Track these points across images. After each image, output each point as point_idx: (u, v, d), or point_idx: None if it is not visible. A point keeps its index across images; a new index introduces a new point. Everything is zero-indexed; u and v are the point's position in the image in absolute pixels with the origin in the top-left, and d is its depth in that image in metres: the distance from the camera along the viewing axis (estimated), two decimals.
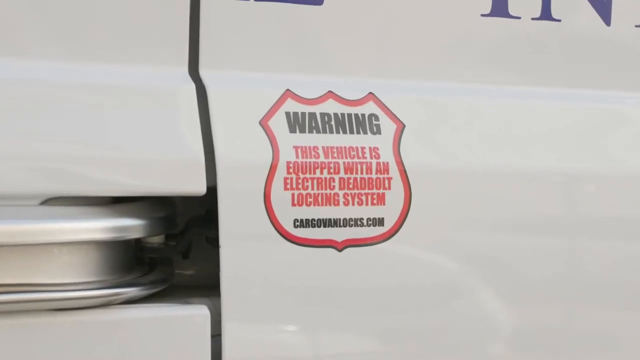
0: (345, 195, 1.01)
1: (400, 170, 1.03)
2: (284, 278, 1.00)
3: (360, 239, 1.02)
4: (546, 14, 1.16)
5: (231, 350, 0.98)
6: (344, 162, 1.01)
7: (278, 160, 0.99)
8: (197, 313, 0.99)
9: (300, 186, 0.99)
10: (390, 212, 1.02)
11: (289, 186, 0.99)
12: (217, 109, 0.99)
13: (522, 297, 1.11)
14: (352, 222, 1.01)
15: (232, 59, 1.04)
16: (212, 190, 0.97)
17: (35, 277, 0.94)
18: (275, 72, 1.05)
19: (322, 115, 1.03)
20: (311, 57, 1.08)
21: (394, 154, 1.03)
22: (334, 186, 1.01)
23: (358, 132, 1.03)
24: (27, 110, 0.94)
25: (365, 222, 1.02)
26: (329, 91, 1.05)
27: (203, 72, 1.02)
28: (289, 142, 1.00)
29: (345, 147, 1.02)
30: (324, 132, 1.02)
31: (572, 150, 1.15)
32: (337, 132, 1.03)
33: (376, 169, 1.02)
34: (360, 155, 1.02)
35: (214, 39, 1.03)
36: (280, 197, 0.98)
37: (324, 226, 1.00)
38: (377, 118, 1.05)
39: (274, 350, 1.02)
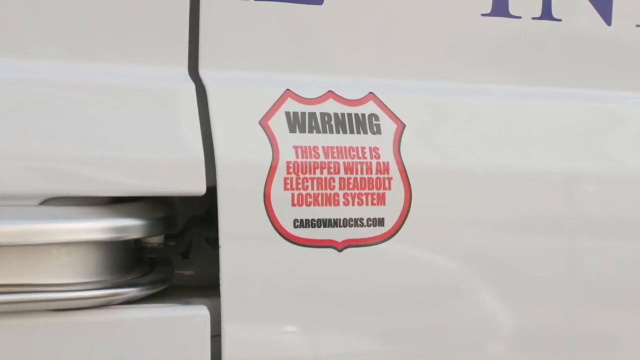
0: (345, 195, 1.01)
1: (400, 170, 1.03)
2: (283, 278, 1.00)
3: (361, 239, 1.02)
4: (547, 13, 1.16)
5: (231, 350, 0.98)
6: (344, 162, 1.01)
7: (278, 160, 0.99)
8: (197, 313, 0.99)
9: (300, 186, 0.99)
10: (390, 212, 1.02)
11: (289, 186, 0.99)
12: (217, 109, 0.99)
13: (523, 297, 1.11)
14: (352, 222, 1.01)
15: (232, 58, 1.04)
16: (211, 190, 0.96)
17: (34, 278, 0.94)
18: (275, 71, 1.05)
19: (322, 115, 1.03)
20: (311, 56, 1.07)
21: (394, 154, 1.03)
22: (334, 186, 1.01)
23: (358, 132, 1.03)
24: (26, 110, 0.93)
25: (365, 222, 1.02)
26: (329, 91, 1.05)
27: (203, 72, 1.02)
28: (289, 142, 1.00)
29: (345, 147, 1.02)
30: (324, 132, 1.02)
31: (572, 150, 1.15)
32: (337, 132, 1.02)
33: (376, 169, 1.02)
34: (360, 155, 1.02)
35: (213, 39, 1.03)
36: (280, 197, 0.98)
37: (324, 226, 1.00)
38: (377, 118, 1.05)
39: (274, 351, 1.02)
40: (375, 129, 1.04)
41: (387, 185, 1.02)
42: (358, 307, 1.03)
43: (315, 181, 1.00)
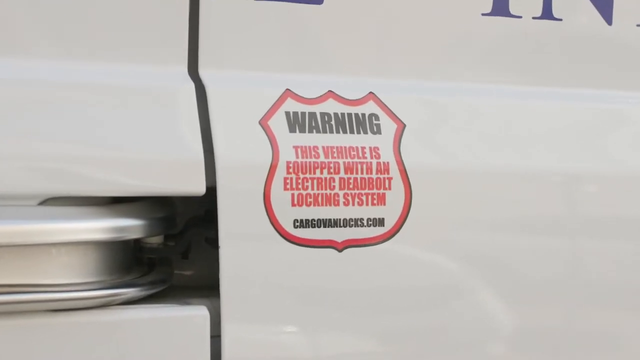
0: (345, 195, 1.01)
1: (400, 170, 1.03)
2: (283, 278, 1.00)
3: (361, 239, 1.01)
4: (547, 13, 1.16)
5: (231, 351, 0.98)
6: (344, 162, 1.01)
7: (278, 160, 0.99)
8: (197, 314, 0.99)
9: (300, 186, 0.99)
10: (390, 212, 1.02)
11: (288, 186, 0.99)
12: (217, 109, 0.99)
13: (523, 297, 1.11)
14: (352, 223, 1.01)
15: (231, 58, 1.04)
16: (211, 190, 0.96)
17: (33, 278, 0.94)
18: (275, 71, 1.05)
19: (322, 115, 1.03)
20: (311, 56, 1.07)
21: (394, 153, 1.03)
22: (334, 186, 1.00)
23: (358, 132, 1.03)
24: (26, 110, 0.93)
25: (365, 222, 1.01)
26: (329, 91, 1.04)
27: (202, 72, 1.02)
28: (289, 142, 1.00)
29: (345, 147, 1.02)
30: (324, 131, 1.02)
31: (572, 150, 1.15)
32: (337, 131, 1.02)
33: (376, 169, 1.02)
34: (360, 155, 1.02)
35: (213, 39, 1.02)
36: (280, 197, 0.98)
37: (324, 226, 1.00)
38: (377, 118, 1.04)
39: (274, 351, 1.02)
40: (375, 129, 1.04)
41: (387, 185, 1.02)
42: (358, 307, 1.03)
43: (315, 181, 1.00)
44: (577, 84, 1.19)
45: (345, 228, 1.01)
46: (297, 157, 0.99)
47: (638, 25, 1.21)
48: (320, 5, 1.06)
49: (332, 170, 1.00)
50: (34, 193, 0.93)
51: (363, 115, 1.04)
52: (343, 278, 1.02)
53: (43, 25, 0.98)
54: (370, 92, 1.06)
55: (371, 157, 1.02)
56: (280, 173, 0.98)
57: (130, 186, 0.95)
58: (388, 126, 1.05)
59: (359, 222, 1.01)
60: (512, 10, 1.14)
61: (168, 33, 1.01)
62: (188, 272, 1.15)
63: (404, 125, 1.05)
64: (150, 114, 0.98)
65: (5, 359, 0.93)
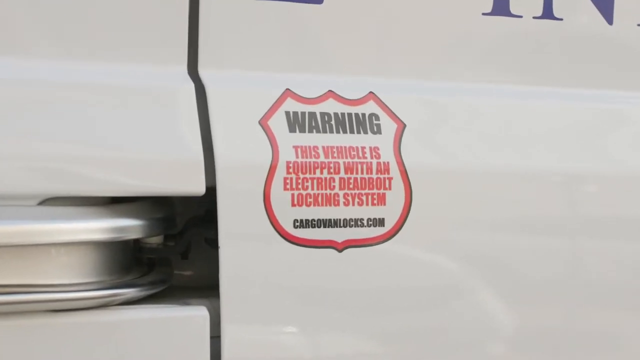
0: (345, 195, 1.01)
1: (400, 170, 1.03)
2: (283, 279, 1.00)
3: (361, 240, 1.01)
4: (548, 12, 1.15)
5: (230, 351, 0.98)
6: (344, 162, 1.01)
7: (278, 160, 0.98)
8: (196, 314, 0.99)
9: (300, 186, 0.99)
10: (390, 212, 1.02)
11: (288, 186, 0.98)
12: (217, 109, 0.99)
13: (523, 298, 1.11)
14: (353, 223, 1.01)
15: (231, 58, 1.04)
16: (211, 190, 0.96)
17: (33, 278, 0.93)
18: (274, 71, 1.05)
19: (322, 114, 1.02)
20: (311, 56, 1.07)
21: (394, 153, 1.03)
22: (334, 186, 1.00)
23: (358, 132, 1.03)
24: (26, 110, 0.93)
25: (365, 222, 1.01)
26: (329, 90, 1.04)
27: (202, 72, 1.02)
28: (289, 142, 1.00)
29: (345, 147, 1.01)
30: (324, 131, 1.02)
31: (573, 150, 1.15)
32: (337, 131, 1.02)
33: (377, 169, 1.02)
34: (360, 155, 1.02)
35: (213, 38, 1.02)
36: (280, 197, 0.98)
37: (324, 226, 1.00)
38: (377, 118, 1.04)
39: (274, 352, 1.01)
40: (375, 129, 1.04)
41: (387, 185, 1.02)
42: (358, 308, 1.03)
43: (315, 181, 0.99)
44: (578, 84, 1.18)
45: (345, 228, 1.01)
46: (297, 157, 0.99)
47: (639, 25, 1.21)
48: (320, 5, 1.06)
49: (332, 170, 1.00)
50: (33, 193, 0.92)
51: (363, 115, 1.04)
52: (343, 278, 1.02)
53: (43, 25, 0.97)
54: (371, 92, 1.06)
55: (371, 157, 1.02)
56: (280, 173, 0.98)
57: (129, 186, 0.95)
58: (388, 126, 1.04)
59: (359, 222, 1.01)
60: (512, 10, 1.14)
61: (168, 33, 1.00)
62: (188, 273, 1.15)
63: (404, 125, 1.05)
64: (150, 114, 0.97)
65: (5, 359, 0.93)
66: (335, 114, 1.03)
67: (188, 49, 1.01)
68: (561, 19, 1.16)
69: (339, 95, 1.04)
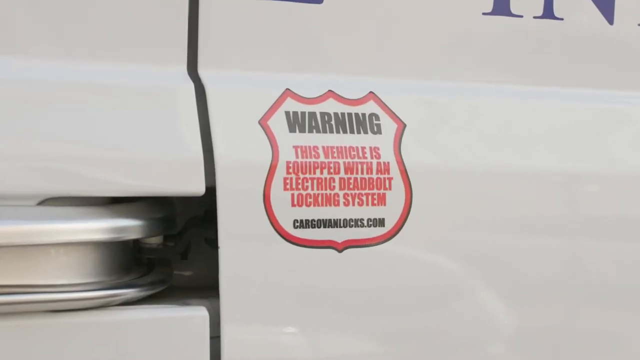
0: (345, 195, 1.01)
1: (401, 170, 1.02)
2: (283, 279, 0.99)
3: (361, 240, 1.01)
4: (548, 12, 1.15)
5: (230, 352, 0.98)
6: (344, 162, 1.01)
7: (278, 160, 0.98)
8: (196, 314, 0.98)
9: (300, 186, 0.99)
10: (390, 212, 1.02)
11: (288, 186, 0.98)
12: (216, 109, 0.99)
13: (523, 298, 1.11)
14: (353, 223, 1.01)
15: (231, 58, 1.04)
16: (211, 190, 0.96)
17: (32, 279, 0.93)
18: (274, 71, 1.04)
19: (322, 114, 1.02)
20: (311, 56, 1.07)
21: (394, 153, 1.03)
22: (334, 186, 1.00)
23: (358, 132, 1.03)
24: (24, 109, 0.93)
25: (365, 222, 1.01)
26: (329, 90, 1.04)
27: (202, 72, 1.02)
28: (289, 142, 1.00)
29: (345, 147, 1.01)
30: (324, 131, 1.01)
31: (573, 150, 1.15)
32: (337, 131, 1.02)
33: (377, 169, 1.02)
34: (360, 155, 1.01)
35: (213, 38, 1.02)
36: (280, 198, 0.98)
37: (324, 227, 1.00)
38: (377, 118, 1.04)
39: (274, 352, 1.01)
40: (375, 129, 1.04)
41: (387, 186, 1.02)
42: (358, 308, 1.03)
43: (315, 181, 0.99)
44: (578, 84, 1.18)
45: (345, 228, 1.01)
46: (297, 157, 0.99)
47: (639, 25, 1.21)
48: (320, 5, 1.06)
49: (332, 170, 1.00)
50: (33, 193, 0.92)
51: (363, 115, 1.04)
52: (343, 278, 1.02)
53: (43, 25, 0.97)
54: (371, 92, 1.06)
55: (371, 157, 1.02)
56: (280, 173, 0.98)
57: (129, 186, 0.95)
58: (388, 126, 1.04)
59: (359, 223, 1.01)
60: (513, 10, 1.14)
61: (167, 33, 1.00)
62: (187, 273, 1.14)
63: (405, 125, 1.05)
64: (150, 114, 0.97)
65: (5, 359, 0.92)
66: (335, 114, 1.03)
67: (188, 49, 1.01)
68: (562, 19, 1.16)
69: (339, 95, 1.04)
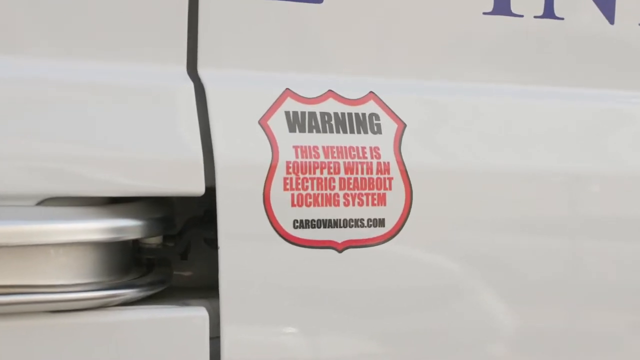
0: (345, 195, 1.00)
1: (401, 170, 1.02)
2: (283, 279, 0.99)
3: (361, 240, 1.01)
4: (549, 12, 1.15)
5: (230, 352, 0.98)
6: (344, 162, 1.01)
7: (277, 160, 0.98)
8: (196, 315, 0.98)
9: (300, 186, 0.98)
10: (391, 212, 1.02)
11: (288, 186, 0.98)
12: (216, 108, 0.99)
13: (523, 298, 1.11)
14: (353, 223, 1.01)
15: (231, 57, 1.03)
16: (210, 190, 0.96)
17: (31, 279, 0.93)
18: (274, 70, 1.04)
19: (322, 114, 1.02)
20: (311, 55, 1.07)
21: (394, 153, 1.03)
22: (334, 186, 1.00)
23: (359, 132, 1.02)
24: (23, 109, 0.93)
25: (365, 222, 1.01)
26: (329, 90, 1.04)
27: (201, 71, 1.02)
28: (289, 142, 1.00)
29: (345, 147, 1.01)
30: (324, 131, 1.01)
31: (573, 150, 1.15)
32: (338, 131, 1.02)
33: (377, 169, 1.01)
34: (360, 155, 1.01)
35: (212, 37, 1.02)
36: (280, 198, 0.98)
37: (324, 227, 1.00)
38: (377, 117, 1.04)
39: (273, 353, 1.01)
40: (375, 129, 1.03)
41: (387, 186, 1.02)
42: (358, 309, 1.03)
43: (315, 181, 0.99)
44: (579, 84, 1.18)
45: (346, 228, 1.00)
46: (297, 157, 0.99)
47: None
48: (320, 4, 1.05)
49: (332, 170, 1.00)
50: (32, 193, 0.92)
51: (363, 115, 1.04)
52: (343, 279, 1.01)
53: (43, 25, 0.97)
54: (371, 92, 1.06)
55: (371, 157, 1.02)
56: (280, 173, 0.98)
57: (128, 186, 0.95)
58: (388, 126, 1.04)
59: (359, 223, 1.01)
60: (513, 10, 1.14)
61: (167, 32, 1.00)
62: (187, 273, 1.14)
63: (405, 125, 1.05)
64: (149, 113, 0.97)
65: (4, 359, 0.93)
66: (336, 114, 1.03)
67: (187, 49, 1.01)
68: (562, 19, 1.16)
69: (339, 95, 1.04)
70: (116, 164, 0.94)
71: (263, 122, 1.00)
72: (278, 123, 1.00)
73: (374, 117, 1.04)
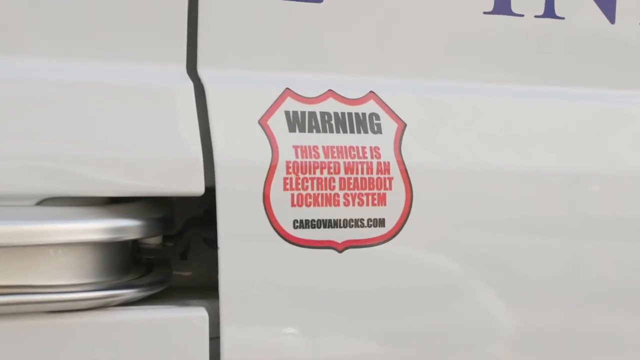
0: (345, 195, 1.00)
1: (401, 170, 1.02)
2: (283, 279, 0.99)
3: (361, 240, 1.01)
4: (550, 11, 1.15)
5: (230, 352, 0.98)
6: (344, 162, 1.00)
7: (277, 160, 0.98)
8: (196, 315, 0.98)
9: (300, 186, 0.98)
10: (391, 212, 1.02)
11: (288, 186, 0.98)
12: (216, 108, 0.98)
13: (523, 298, 1.11)
14: (353, 223, 1.00)
15: (230, 57, 1.03)
16: (210, 190, 0.96)
17: (31, 279, 0.93)
18: (274, 70, 1.04)
19: (322, 114, 1.02)
20: (311, 55, 1.07)
21: (395, 153, 1.03)
22: (334, 186, 1.00)
23: (359, 132, 1.02)
24: (23, 109, 0.93)
25: (365, 222, 1.01)
26: (329, 90, 1.04)
27: (201, 71, 1.01)
28: (289, 142, 0.99)
29: (345, 147, 1.01)
30: (324, 131, 1.01)
31: (573, 150, 1.15)
32: (338, 131, 1.02)
33: (377, 169, 1.01)
34: (360, 155, 1.01)
35: (212, 37, 1.02)
36: (280, 198, 0.98)
37: (324, 227, 0.99)
38: (377, 117, 1.04)
39: (273, 353, 1.01)
40: (375, 129, 1.03)
41: (387, 186, 1.02)
42: (358, 309, 1.02)
43: (315, 181, 0.99)
44: (579, 83, 1.18)
45: (346, 228, 1.00)
46: (297, 157, 0.99)
47: None
48: (320, 4, 1.05)
49: (332, 170, 1.00)
50: (31, 193, 0.92)
51: (363, 114, 1.04)
52: (343, 279, 1.01)
53: (43, 25, 0.97)
54: (371, 92, 1.05)
55: (372, 157, 1.02)
56: (280, 173, 0.98)
57: (128, 186, 0.95)
58: (389, 126, 1.04)
59: (359, 223, 1.01)
60: (514, 9, 1.14)
61: (167, 32, 1.00)
62: (187, 273, 1.14)
63: (405, 125, 1.05)
64: (149, 113, 0.97)
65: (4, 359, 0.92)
66: (336, 114, 1.03)
67: (187, 49, 1.01)
68: (563, 18, 1.16)
69: (339, 95, 1.04)
70: (116, 164, 0.94)
71: (263, 122, 0.99)
72: (278, 123, 1.00)
73: (374, 117, 1.04)
